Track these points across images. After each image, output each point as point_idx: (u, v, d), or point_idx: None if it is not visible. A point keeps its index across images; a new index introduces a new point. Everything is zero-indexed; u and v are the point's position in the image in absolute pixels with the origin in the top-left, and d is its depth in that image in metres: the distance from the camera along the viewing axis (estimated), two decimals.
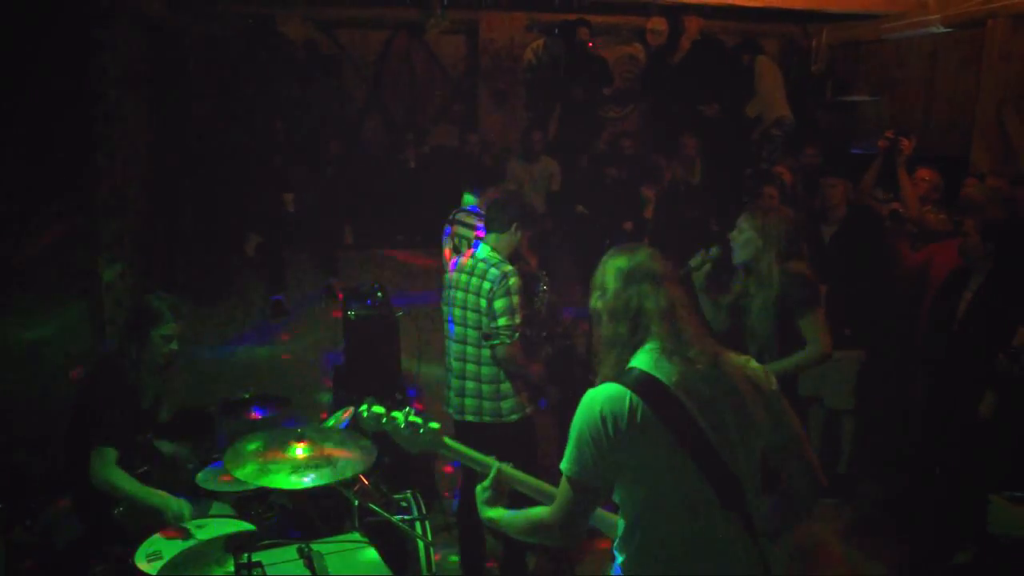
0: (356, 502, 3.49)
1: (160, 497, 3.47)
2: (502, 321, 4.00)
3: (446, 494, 5.21)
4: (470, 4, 8.90)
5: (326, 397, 6.12)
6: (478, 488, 2.51)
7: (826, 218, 5.47)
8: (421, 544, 3.65)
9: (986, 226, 4.46)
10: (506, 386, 4.14)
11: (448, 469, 5.32)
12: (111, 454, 3.50)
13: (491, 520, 2.46)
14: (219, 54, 8.37)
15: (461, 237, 5.32)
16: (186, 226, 7.90)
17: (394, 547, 3.60)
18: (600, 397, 2.20)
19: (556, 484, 2.55)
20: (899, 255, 5.48)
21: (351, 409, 4.21)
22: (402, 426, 2.57)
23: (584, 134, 8.39)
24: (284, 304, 7.50)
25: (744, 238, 4.10)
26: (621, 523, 2.30)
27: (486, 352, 4.11)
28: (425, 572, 3.63)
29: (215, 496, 3.80)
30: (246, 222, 7.85)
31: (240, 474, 3.33)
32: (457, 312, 4.19)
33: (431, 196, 7.74)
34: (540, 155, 8.09)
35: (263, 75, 8.36)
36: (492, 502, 2.48)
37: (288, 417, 4.64)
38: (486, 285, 4.04)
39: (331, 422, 4.16)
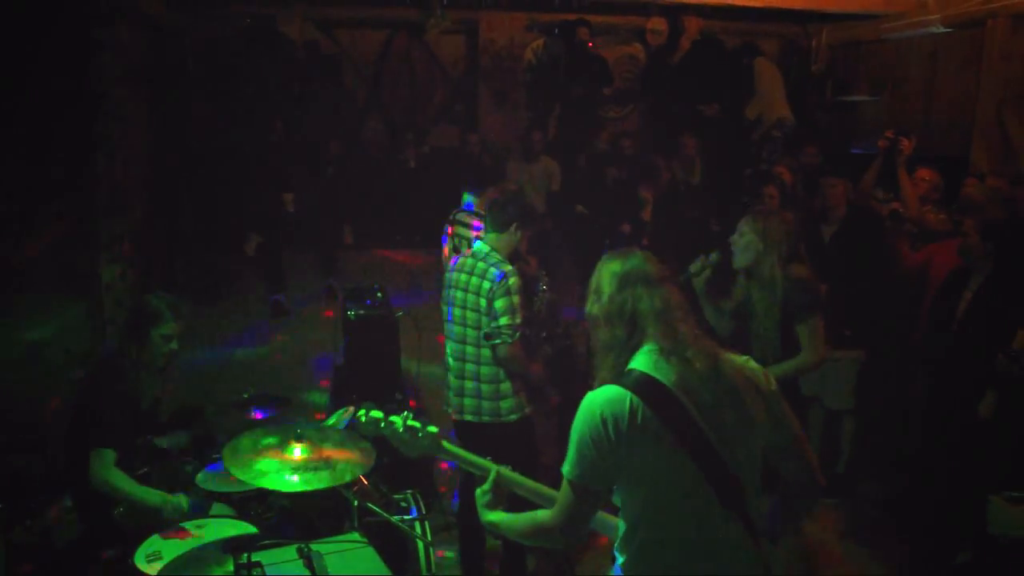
0: (356, 502, 3.49)
1: (158, 496, 3.48)
2: (503, 321, 4.00)
3: (443, 489, 5.21)
4: (470, 4, 8.91)
5: (325, 397, 6.12)
6: (477, 492, 2.51)
7: (826, 218, 5.47)
8: (421, 544, 3.65)
9: (986, 226, 4.46)
10: (505, 386, 4.14)
11: (444, 465, 5.31)
12: (110, 455, 3.51)
13: (492, 524, 2.46)
14: (219, 54, 8.38)
15: (460, 237, 5.32)
16: (186, 226, 7.92)
17: (394, 547, 3.60)
18: (600, 400, 2.20)
19: (556, 484, 2.55)
20: (899, 255, 5.48)
21: (351, 409, 4.21)
22: (400, 430, 2.57)
23: (584, 134, 8.39)
24: (284, 304, 7.51)
25: (745, 242, 4.09)
26: (622, 524, 2.30)
27: (485, 352, 4.11)
28: (425, 572, 3.62)
29: (215, 496, 3.80)
30: (246, 222, 7.85)
31: (239, 473, 3.33)
32: (457, 312, 4.19)
33: (431, 196, 7.75)
34: (540, 155, 8.10)
35: (263, 75, 8.36)
36: (492, 505, 2.48)
37: (288, 417, 4.65)
38: (486, 285, 4.04)
39: (331, 421, 4.15)
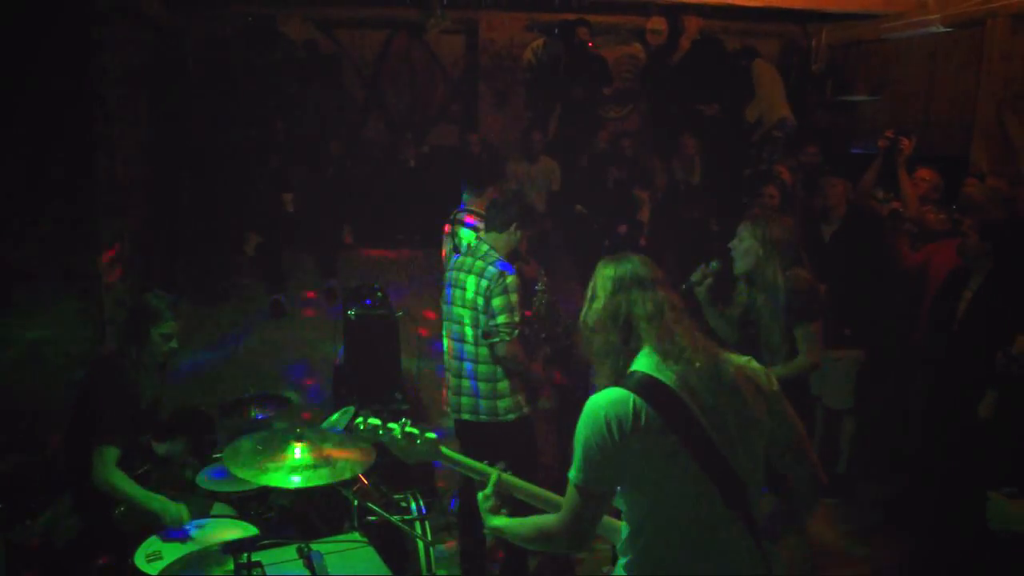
0: (356, 502, 3.50)
1: (159, 502, 3.47)
2: (501, 319, 4.01)
3: (442, 484, 5.20)
4: (470, 4, 8.90)
5: (325, 398, 6.12)
6: (479, 497, 2.51)
7: (826, 217, 5.48)
8: (420, 544, 3.65)
9: (986, 226, 4.46)
10: (503, 385, 4.14)
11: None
12: (112, 454, 3.51)
13: (496, 529, 2.45)
14: (219, 54, 8.37)
15: (461, 236, 5.32)
16: (186, 226, 7.90)
17: (394, 547, 3.60)
18: (604, 402, 2.19)
19: (556, 485, 2.55)
20: (898, 255, 5.48)
21: (351, 409, 4.22)
22: (399, 437, 2.58)
23: (584, 134, 8.39)
24: (284, 304, 7.51)
25: (745, 247, 4.08)
26: (625, 526, 2.30)
27: (483, 350, 4.12)
28: (424, 572, 3.63)
29: (215, 496, 3.80)
30: (246, 222, 7.84)
31: (241, 473, 3.33)
32: (455, 310, 4.20)
33: (431, 196, 7.74)
34: (540, 155, 8.09)
35: (263, 75, 8.36)
36: (495, 510, 2.48)
37: (287, 418, 4.66)
38: (484, 283, 4.05)
39: (332, 420, 4.16)
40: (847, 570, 4.73)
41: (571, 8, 8.98)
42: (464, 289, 4.14)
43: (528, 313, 4.58)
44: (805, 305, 3.99)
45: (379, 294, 5.85)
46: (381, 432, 2.59)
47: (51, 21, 5.42)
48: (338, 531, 3.47)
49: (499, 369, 4.12)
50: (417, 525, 3.73)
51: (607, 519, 2.41)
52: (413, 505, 3.90)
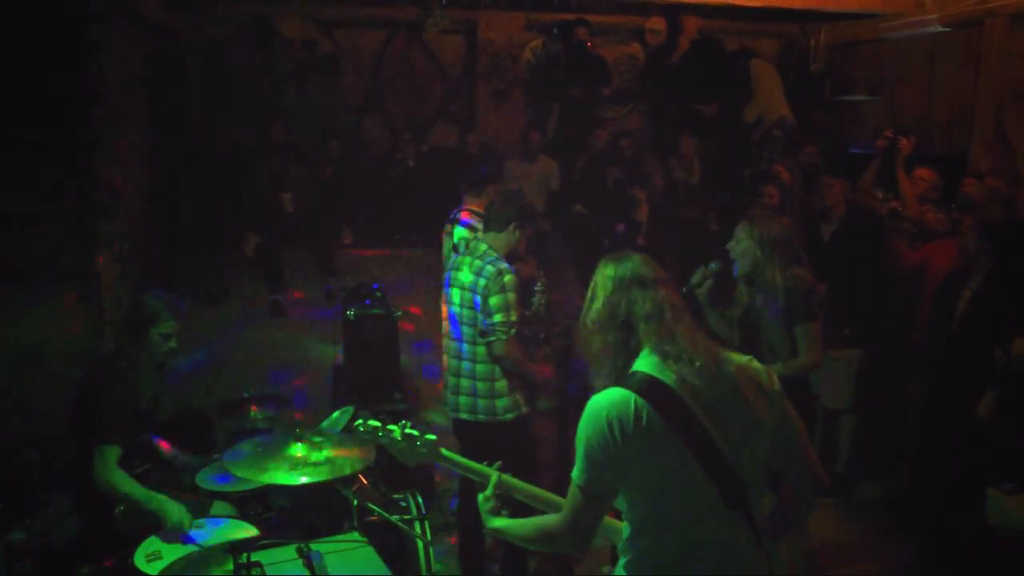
0: (355, 502, 3.50)
1: (160, 501, 3.46)
2: (497, 317, 4.01)
3: (439, 478, 5.19)
4: (469, 4, 8.90)
5: (325, 397, 6.12)
6: (480, 498, 2.51)
7: (825, 217, 5.48)
8: (420, 544, 3.65)
9: (985, 226, 4.47)
10: (501, 384, 4.14)
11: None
12: (113, 453, 3.50)
13: (496, 530, 2.45)
14: (217, 54, 8.37)
15: (460, 236, 5.32)
16: (185, 226, 7.91)
17: (393, 547, 3.60)
18: (605, 403, 2.19)
19: (556, 485, 2.55)
20: (897, 254, 5.49)
21: (350, 409, 4.22)
22: (398, 439, 2.58)
23: (583, 134, 8.39)
24: (283, 304, 7.51)
25: (742, 248, 4.09)
26: (626, 526, 2.30)
27: (481, 349, 4.12)
28: (424, 572, 3.63)
29: (215, 496, 3.80)
30: (245, 222, 7.84)
31: (243, 473, 3.34)
32: (453, 310, 4.21)
33: (430, 196, 7.75)
34: (539, 155, 8.09)
35: (261, 75, 8.36)
36: (495, 511, 2.48)
37: (287, 418, 4.65)
38: (481, 282, 4.05)
39: (331, 419, 4.16)
40: (847, 570, 4.73)
41: (570, 8, 8.99)
42: (462, 288, 4.15)
43: (527, 313, 4.59)
44: (804, 304, 3.99)
45: (378, 294, 5.85)
46: (381, 434, 2.59)
47: (50, 21, 5.42)
48: (338, 531, 3.47)
49: (497, 368, 4.12)
50: (417, 525, 3.73)
51: (607, 519, 2.41)
52: (413, 505, 3.90)
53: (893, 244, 5.52)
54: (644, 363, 2.25)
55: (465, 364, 4.18)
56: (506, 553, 4.42)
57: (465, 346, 4.17)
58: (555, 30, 8.95)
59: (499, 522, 2.45)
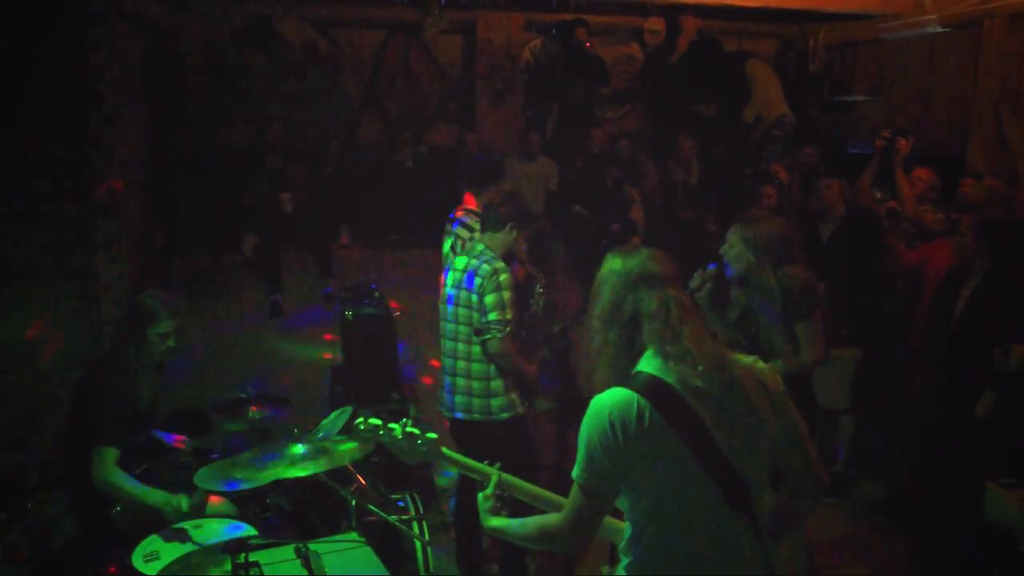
0: (354, 502, 3.49)
1: (159, 495, 3.48)
2: (492, 316, 4.02)
3: (434, 467, 5.18)
4: (468, 4, 8.90)
5: (323, 398, 6.11)
6: (480, 497, 2.50)
7: (824, 217, 5.48)
8: (418, 544, 3.65)
9: (983, 226, 4.47)
10: (496, 384, 4.15)
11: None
12: (112, 454, 3.51)
13: (495, 529, 2.44)
14: (217, 54, 8.36)
15: (458, 236, 5.33)
16: (183, 226, 7.90)
17: (392, 547, 3.60)
18: (608, 403, 2.18)
19: (555, 485, 2.55)
20: (896, 254, 5.49)
21: (348, 410, 4.21)
22: (399, 437, 2.56)
23: (582, 134, 8.39)
24: (282, 304, 7.50)
25: (735, 252, 4.08)
26: (628, 526, 2.29)
27: (476, 349, 4.13)
28: (423, 572, 3.63)
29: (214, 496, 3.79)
30: (243, 222, 7.84)
31: (246, 476, 3.33)
32: (450, 309, 4.22)
33: (428, 196, 7.74)
34: (538, 155, 8.09)
35: (260, 75, 8.36)
36: (495, 511, 2.47)
37: (286, 418, 4.65)
38: (477, 281, 4.07)
39: (327, 421, 4.15)
40: (846, 570, 4.74)
41: (569, 8, 8.99)
42: (459, 287, 4.16)
43: (528, 315, 4.59)
44: (802, 302, 3.99)
45: (376, 294, 5.85)
46: (381, 432, 2.58)
47: (49, 21, 5.42)
48: (336, 531, 3.47)
49: (492, 367, 4.13)
50: (415, 525, 3.73)
51: (608, 519, 2.40)
52: (411, 505, 3.90)
53: (892, 244, 5.52)
54: (648, 364, 2.23)
55: (460, 363, 4.19)
56: (505, 553, 4.42)
57: (461, 345, 4.18)
58: (554, 30, 8.95)
59: (498, 521, 2.44)
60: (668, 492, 2.19)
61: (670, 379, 2.18)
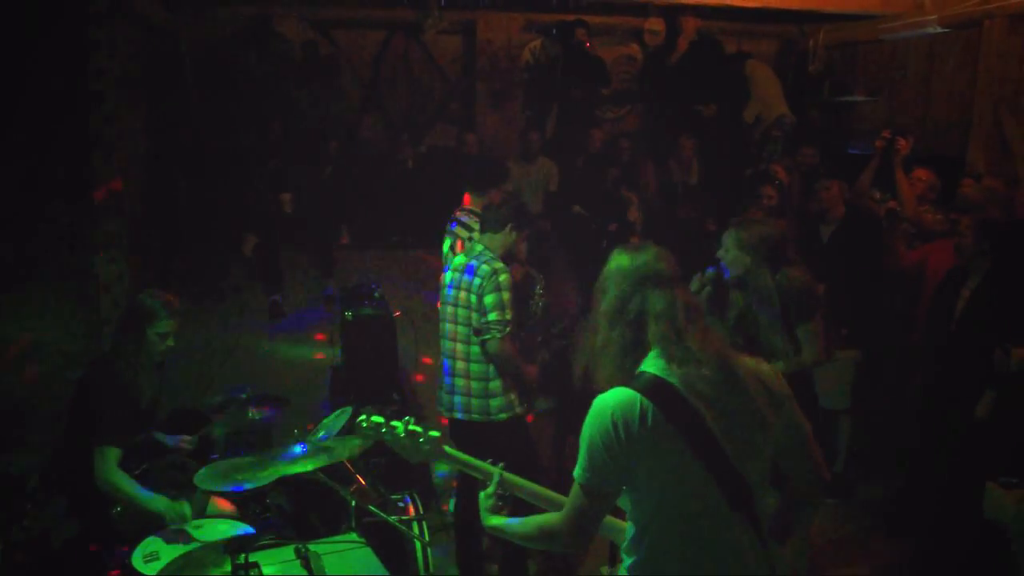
0: (353, 502, 3.49)
1: (162, 502, 3.47)
2: (492, 316, 4.03)
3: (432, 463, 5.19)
4: (467, 4, 8.91)
5: (323, 399, 6.12)
6: (481, 495, 2.49)
7: (824, 218, 5.48)
8: (418, 544, 3.65)
9: (983, 226, 4.47)
10: (495, 384, 4.15)
11: (455, 484, 5.32)
12: (113, 454, 3.50)
13: (495, 528, 2.43)
14: (216, 55, 8.37)
15: (457, 236, 5.33)
16: (183, 226, 7.90)
17: (391, 547, 3.60)
18: (611, 402, 2.17)
19: (553, 486, 2.54)
20: (895, 254, 5.49)
21: (348, 410, 4.21)
22: (402, 435, 2.56)
23: (582, 135, 8.40)
24: (282, 305, 7.50)
25: (731, 256, 4.08)
26: (630, 527, 2.29)
27: (475, 349, 4.13)
28: (422, 572, 3.63)
29: (213, 496, 3.79)
30: (243, 222, 7.84)
31: (250, 479, 3.34)
32: (449, 310, 4.22)
33: (428, 196, 7.74)
34: (537, 155, 8.09)
35: (260, 76, 8.36)
36: (496, 510, 2.45)
37: (286, 418, 4.65)
38: (476, 281, 4.07)
39: (326, 423, 4.15)
40: (846, 570, 4.74)
41: (569, 9, 8.99)
42: (458, 288, 4.16)
43: (528, 317, 4.60)
44: (803, 304, 3.99)
45: (376, 295, 5.85)
46: (384, 430, 2.57)
47: (49, 22, 5.42)
48: (335, 532, 3.47)
49: (491, 368, 4.13)
50: (415, 525, 3.73)
51: (610, 518, 2.40)
52: (411, 505, 3.90)
53: (891, 244, 5.52)
54: (651, 364, 2.22)
55: (459, 364, 4.19)
56: (505, 553, 4.42)
57: (460, 346, 4.19)
58: (554, 31, 8.96)
59: (498, 520, 2.43)
60: (670, 493, 2.19)
61: (673, 380, 2.17)
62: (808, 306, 3.99)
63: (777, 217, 5.72)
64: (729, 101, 8.36)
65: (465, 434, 4.21)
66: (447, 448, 2.58)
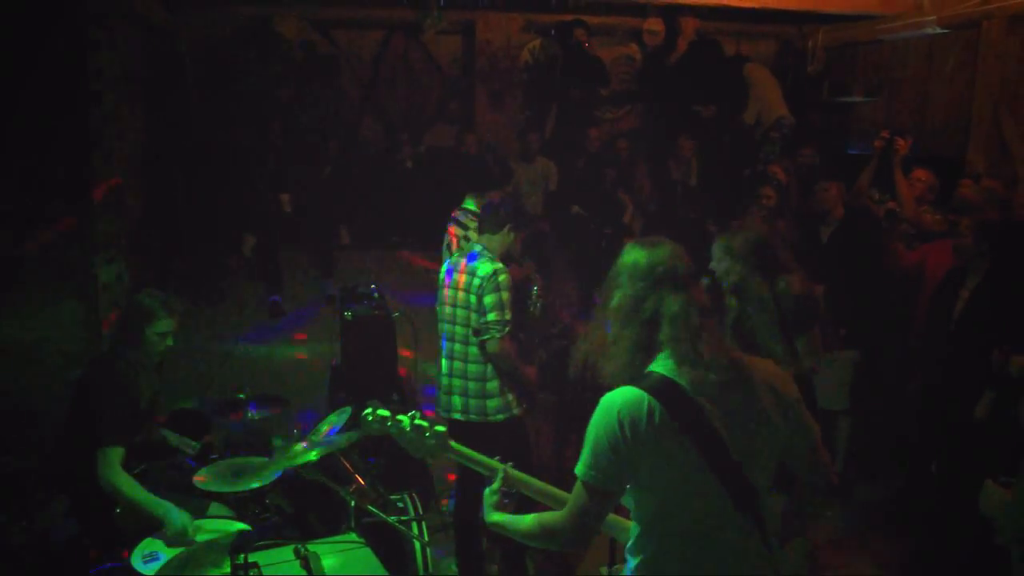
0: (353, 503, 3.50)
1: (164, 508, 3.45)
2: (491, 316, 4.03)
3: (444, 501, 5.21)
4: (467, 4, 8.91)
5: (322, 399, 6.12)
6: (486, 492, 2.48)
7: (824, 219, 5.49)
8: (417, 544, 3.66)
9: (981, 227, 4.48)
10: (492, 385, 4.16)
11: (451, 477, 5.32)
12: (116, 455, 3.50)
13: (497, 524, 2.42)
14: (216, 54, 8.37)
15: (457, 237, 5.33)
16: (183, 226, 7.90)
17: (391, 547, 3.60)
18: (618, 400, 2.16)
19: (552, 485, 2.55)
20: (895, 255, 5.50)
21: (347, 410, 4.22)
22: (408, 429, 2.55)
23: (581, 135, 8.41)
24: (281, 305, 7.51)
25: (724, 267, 4.07)
26: (634, 527, 2.29)
27: (473, 349, 4.14)
28: (421, 572, 3.63)
29: (212, 496, 3.80)
30: (243, 222, 7.85)
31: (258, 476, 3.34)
32: (448, 310, 4.23)
33: (428, 196, 7.75)
34: (537, 156, 8.10)
35: (259, 75, 8.36)
36: (500, 507, 2.45)
37: (287, 417, 4.66)
38: (476, 282, 4.08)
39: (325, 426, 4.16)
40: (845, 570, 4.74)
41: (568, 9, 8.99)
42: (457, 288, 4.17)
43: (527, 317, 4.60)
44: (802, 315, 3.97)
45: (376, 295, 5.85)
46: (390, 424, 2.56)
47: (49, 22, 5.42)
48: (335, 532, 3.48)
49: (489, 369, 4.14)
50: (414, 526, 3.74)
51: (614, 517, 2.40)
52: (410, 506, 3.90)
53: (890, 245, 5.52)
54: (661, 364, 2.21)
55: (457, 364, 4.20)
56: (505, 553, 4.42)
57: (457, 346, 4.19)
58: (553, 31, 8.96)
59: (501, 517, 2.42)
60: (675, 493, 2.19)
61: (682, 381, 2.17)
62: (808, 318, 3.98)
63: (776, 217, 5.73)
64: (728, 102, 8.36)
65: (463, 435, 4.20)
66: (453, 443, 2.57)
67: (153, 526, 3.40)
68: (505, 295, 4.05)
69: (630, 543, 2.31)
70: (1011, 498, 3.66)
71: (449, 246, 5.23)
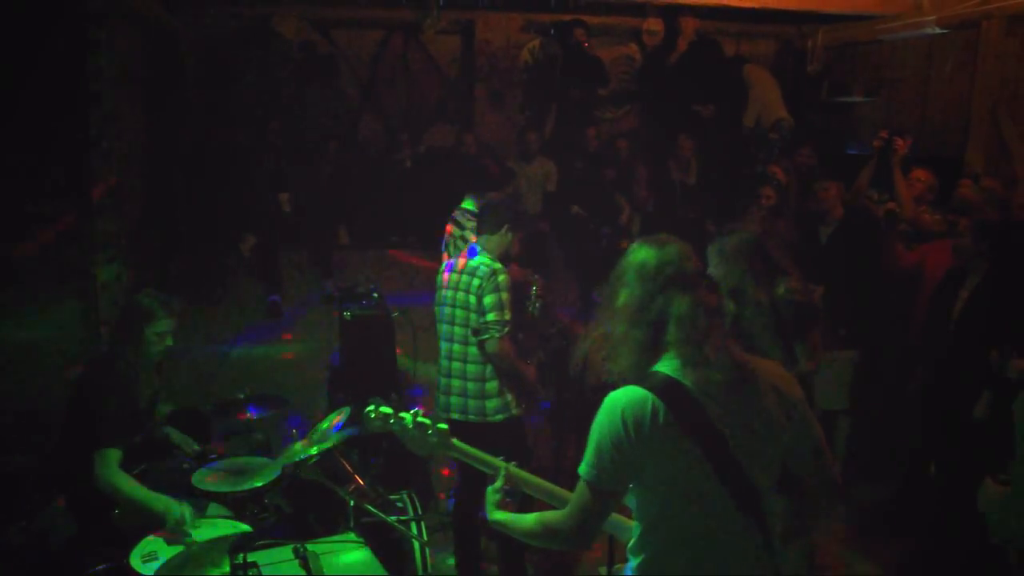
0: (352, 502, 3.50)
1: (163, 502, 3.45)
2: (491, 316, 4.03)
3: (441, 495, 5.22)
4: (466, 4, 8.92)
5: (322, 398, 6.12)
6: (488, 490, 2.48)
7: (823, 219, 5.49)
8: (416, 544, 3.66)
9: (981, 227, 4.48)
10: (491, 385, 4.16)
11: (446, 471, 5.33)
12: (114, 455, 3.50)
13: (499, 523, 2.42)
14: (215, 54, 8.38)
15: (456, 237, 5.33)
16: (182, 226, 7.91)
17: (390, 547, 3.60)
18: (623, 400, 2.16)
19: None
20: (894, 255, 5.50)
21: (347, 410, 4.22)
22: (410, 427, 2.55)
23: (580, 135, 8.41)
24: (280, 304, 7.51)
25: (721, 272, 4.07)
26: (637, 526, 2.28)
27: (472, 350, 4.14)
28: (421, 572, 3.63)
29: (211, 497, 3.80)
30: (242, 222, 7.85)
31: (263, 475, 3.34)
32: (447, 311, 4.23)
33: (427, 196, 7.75)
34: (536, 156, 8.10)
35: (259, 75, 8.37)
36: (502, 505, 2.45)
37: (288, 416, 4.66)
38: (475, 282, 4.08)
39: (324, 424, 4.16)
40: (845, 571, 4.74)
41: (567, 9, 9.00)
42: (456, 289, 4.17)
43: (526, 317, 4.60)
44: (802, 319, 3.97)
45: (375, 295, 5.85)
46: (392, 421, 2.56)
47: (49, 22, 5.42)
48: (334, 532, 3.47)
49: (488, 369, 4.14)
50: (413, 525, 3.74)
51: (616, 516, 2.40)
52: (409, 505, 3.90)
53: (890, 245, 5.52)
54: (666, 364, 2.20)
55: (456, 364, 4.20)
56: (504, 553, 4.42)
57: (456, 347, 4.19)
58: (552, 31, 8.96)
59: (503, 515, 2.42)
60: (678, 494, 2.18)
61: (687, 381, 2.16)
62: (807, 324, 3.98)
63: (775, 218, 5.72)
64: (728, 102, 8.36)
65: (461, 435, 4.21)
66: (455, 441, 2.57)
67: (153, 525, 3.39)
68: (504, 295, 4.05)
69: (632, 542, 2.30)
70: (1005, 497, 3.68)
71: (448, 247, 5.24)
